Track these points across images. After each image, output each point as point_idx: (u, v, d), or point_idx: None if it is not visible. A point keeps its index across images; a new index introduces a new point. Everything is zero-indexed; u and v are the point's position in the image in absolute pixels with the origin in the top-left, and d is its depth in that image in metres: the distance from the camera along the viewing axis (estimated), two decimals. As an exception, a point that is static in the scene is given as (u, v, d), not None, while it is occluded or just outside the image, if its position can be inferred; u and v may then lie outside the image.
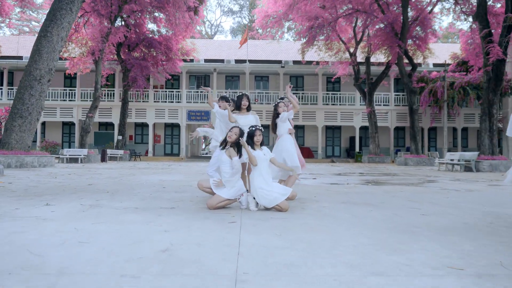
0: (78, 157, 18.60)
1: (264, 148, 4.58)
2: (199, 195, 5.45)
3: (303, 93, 30.24)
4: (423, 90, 26.40)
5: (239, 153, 4.43)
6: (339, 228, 3.27)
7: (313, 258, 2.33)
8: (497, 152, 14.83)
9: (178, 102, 29.44)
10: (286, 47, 33.60)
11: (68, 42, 23.40)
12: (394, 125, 29.79)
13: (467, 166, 13.63)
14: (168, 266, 2.14)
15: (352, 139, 30.86)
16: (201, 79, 31.73)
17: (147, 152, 29.53)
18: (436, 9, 30.44)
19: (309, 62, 27.93)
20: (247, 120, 5.18)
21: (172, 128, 31.11)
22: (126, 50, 25.74)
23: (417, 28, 23.45)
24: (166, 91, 29.83)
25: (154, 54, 26.23)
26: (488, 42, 14.78)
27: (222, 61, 29.87)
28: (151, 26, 28.00)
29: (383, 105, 29.64)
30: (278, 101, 5.61)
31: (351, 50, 26.12)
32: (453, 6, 22.44)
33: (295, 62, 29.51)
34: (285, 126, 5.48)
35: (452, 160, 14.12)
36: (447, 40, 47.02)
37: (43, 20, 16.32)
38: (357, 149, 29.16)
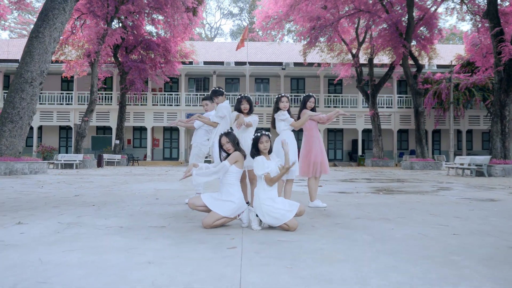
0: (73, 163, 18.01)
1: (273, 156, 3.98)
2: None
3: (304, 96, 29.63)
4: (427, 92, 25.82)
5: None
6: (361, 256, 2.68)
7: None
8: (510, 155, 14.20)
9: (177, 105, 28.87)
10: (286, 48, 33.06)
11: (64, 44, 22.91)
12: (398, 127, 29.20)
13: (478, 171, 13.02)
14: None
15: (354, 142, 30.27)
16: (200, 82, 31.16)
17: (145, 156, 28.93)
18: (439, 10, 29.88)
19: (311, 64, 27.38)
20: (251, 128, 4.63)
21: (171, 132, 30.52)
22: (124, 52, 25.20)
23: (421, 28, 22.90)
24: (164, 94, 29.27)
25: (152, 57, 25.69)
26: (500, 41, 14.17)
27: (221, 63, 29.34)
28: (149, 28, 27.51)
29: (386, 107, 29.07)
30: (282, 94, 5.05)
31: (354, 51, 25.56)
32: (457, 6, 21.90)
33: (296, 64, 28.96)
34: (282, 124, 4.98)
35: (462, 164, 13.52)
36: (448, 42, 46.54)
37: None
38: (359, 153, 28.56)
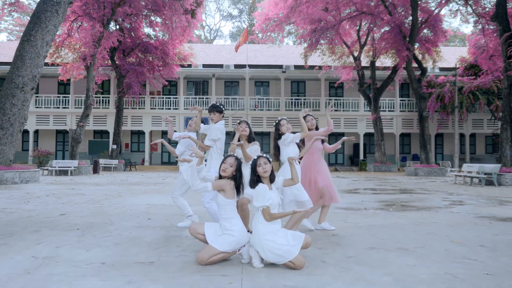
0: (68, 169, 17.49)
1: (278, 181, 3.49)
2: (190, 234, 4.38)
3: (305, 99, 29.17)
4: (430, 96, 25.35)
5: (238, 192, 3.37)
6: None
7: None
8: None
9: (176, 108, 28.37)
10: (287, 51, 32.58)
11: (61, 47, 22.43)
12: (400, 131, 28.69)
13: (487, 180, 12.52)
14: None
15: (356, 146, 29.75)
16: (199, 85, 30.66)
17: (143, 161, 28.41)
18: (443, 12, 29.46)
19: (312, 67, 26.89)
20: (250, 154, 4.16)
21: (170, 136, 29.95)
22: (121, 55, 24.70)
23: (424, 30, 22.43)
24: (163, 98, 28.76)
25: (150, 59, 25.19)
26: (510, 45, 13.65)
27: (221, 66, 28.83)
28: (147, 30, 27.02)
29: (388, 110, 28.55)
30: (279, 118, 4.54)
31: (355, 54, 25.09)
32: (461, 8, 21.44)
33: (296, 66, 28.48)
34: (289, 150, 4.39)
35: (470, 172, 13.01)
36: (449, 44, 46.12)
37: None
38: (361, 157, 28.04)
